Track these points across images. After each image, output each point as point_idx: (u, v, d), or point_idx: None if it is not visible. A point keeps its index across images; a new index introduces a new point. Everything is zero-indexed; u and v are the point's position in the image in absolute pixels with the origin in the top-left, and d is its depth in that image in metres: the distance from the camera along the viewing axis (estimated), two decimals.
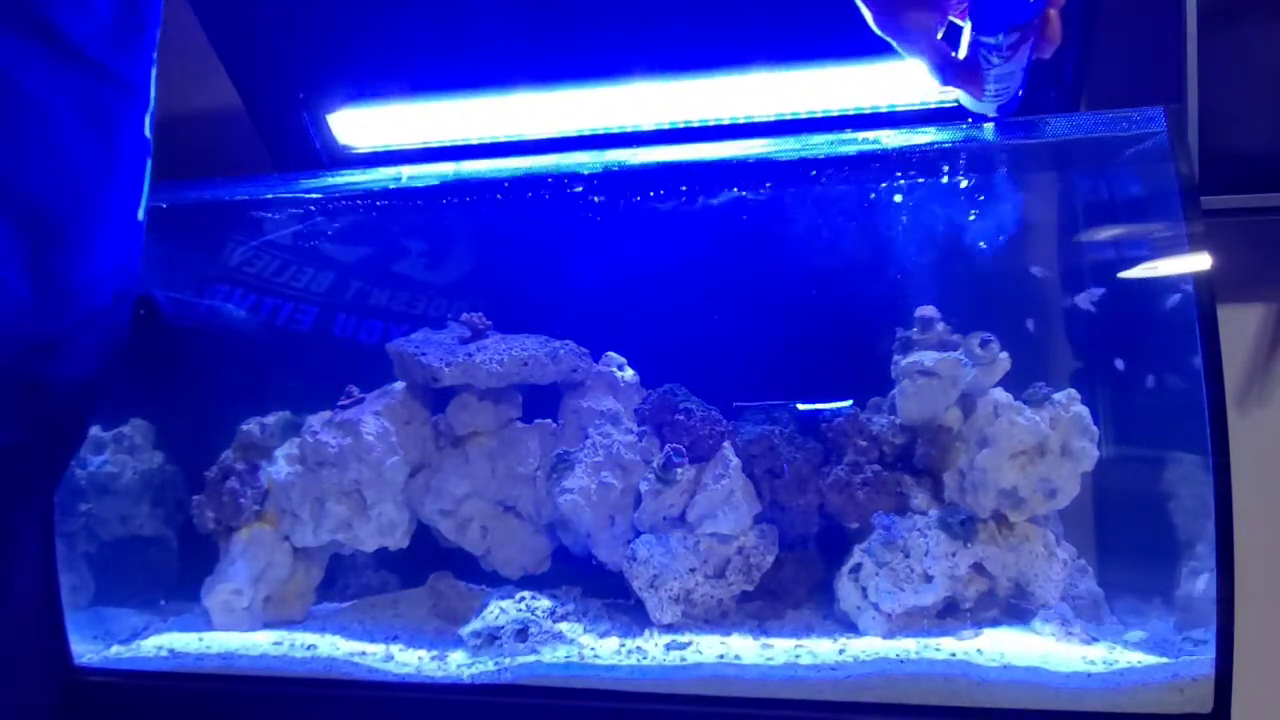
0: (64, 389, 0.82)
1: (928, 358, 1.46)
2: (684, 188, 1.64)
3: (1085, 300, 1.51)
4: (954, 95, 1.13)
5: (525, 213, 1.74)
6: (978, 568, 1.41)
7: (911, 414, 1.49)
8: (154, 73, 0.88)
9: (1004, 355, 1.45)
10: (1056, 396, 1.43)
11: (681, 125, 1.58)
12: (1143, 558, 1.46)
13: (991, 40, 1.00)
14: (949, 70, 1.04)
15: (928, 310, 1.51)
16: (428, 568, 1.66)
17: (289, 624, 1.59)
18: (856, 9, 0.97)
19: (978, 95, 1.09)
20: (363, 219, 1.87)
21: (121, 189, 0.85)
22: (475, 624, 1.43)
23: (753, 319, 1.66)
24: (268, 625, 1.57)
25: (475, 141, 1.67)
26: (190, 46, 1.61)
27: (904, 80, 1.48)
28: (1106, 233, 1.60)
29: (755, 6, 1.45)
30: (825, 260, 1.66)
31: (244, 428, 1.68)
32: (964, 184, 1.60)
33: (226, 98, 1.70)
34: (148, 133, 0.88)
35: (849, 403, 1.58)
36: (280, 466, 1.61)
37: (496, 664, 1.37)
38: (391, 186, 1.71)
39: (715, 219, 1.67)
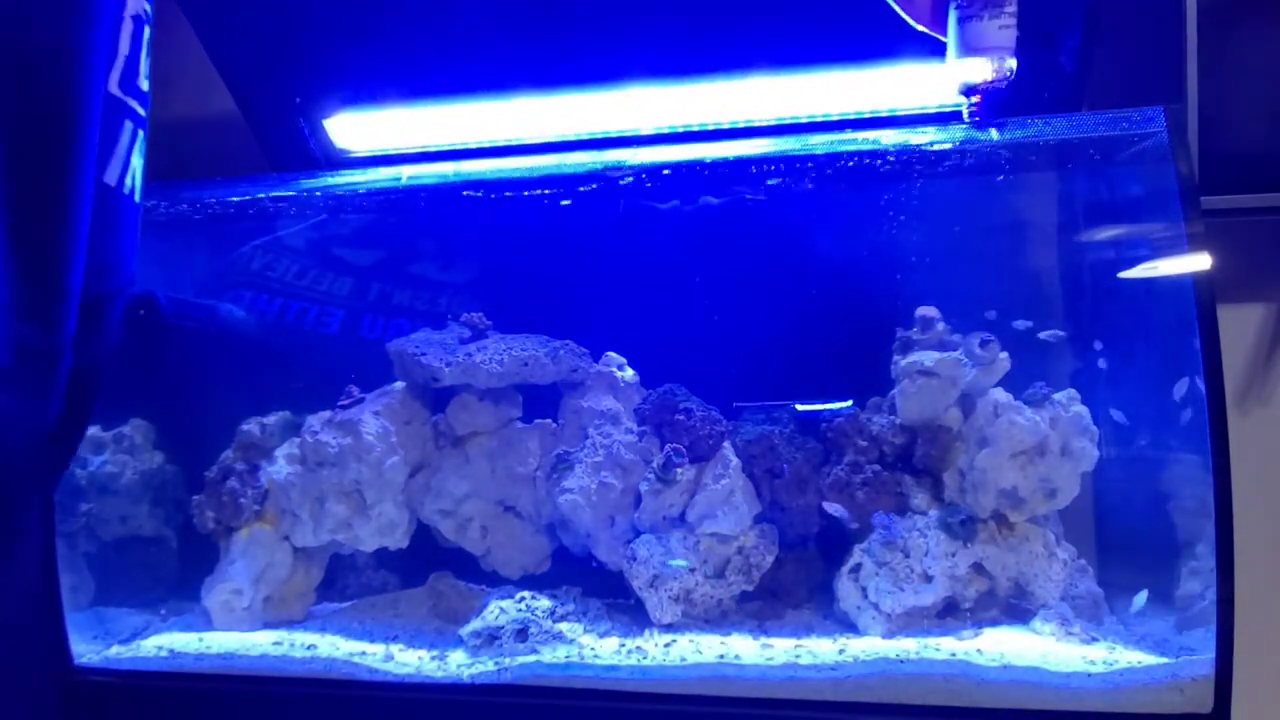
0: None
1: (928, 358, 1.46)
2: (680, 190, 1.64)
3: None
4: (952, 101, 1.12)
5: (525, 214, 1.73)
6: (978, 568, 1.41)
7: (911, 414, 1.49)
8: (124, 30, 0.84)
9: (1004, 355, 1.45)
10: (1056, 396, 1.43)
11: (680, 129, 1.58)
12: (1143, 558, 1.46)
13: None
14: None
15: (928, 310, 1.51)
16: (428, 568, 1.65)
17: (289, 624, 1.59)
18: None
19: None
20: (363, 220, 1.87)
21: (88, 145, 0.82)
22: (475, 624, 1.43)
23: (753, 319, 1.66)
24: (268, 625, 1.57)
25: (473, 145, 1.66)
26: (186, 54, 1.61)
27: (904, 84, 1.48)
28: (1106, 233, 1.60)
29: (754, 11, 1.45)
30: (825, 260, 1.66)
31: (244, 428, 1.68)
32: (964, 184, 1.60)
33: (223, 104, 1.70)
34: (115, 90, 0.84)
35: (849, 403, 1.58)
36: (280, 466, 1.61)
37: (496, 664, 1.37)
38: (392, 187, 1.71)
39: (715, 219, 1.67)
